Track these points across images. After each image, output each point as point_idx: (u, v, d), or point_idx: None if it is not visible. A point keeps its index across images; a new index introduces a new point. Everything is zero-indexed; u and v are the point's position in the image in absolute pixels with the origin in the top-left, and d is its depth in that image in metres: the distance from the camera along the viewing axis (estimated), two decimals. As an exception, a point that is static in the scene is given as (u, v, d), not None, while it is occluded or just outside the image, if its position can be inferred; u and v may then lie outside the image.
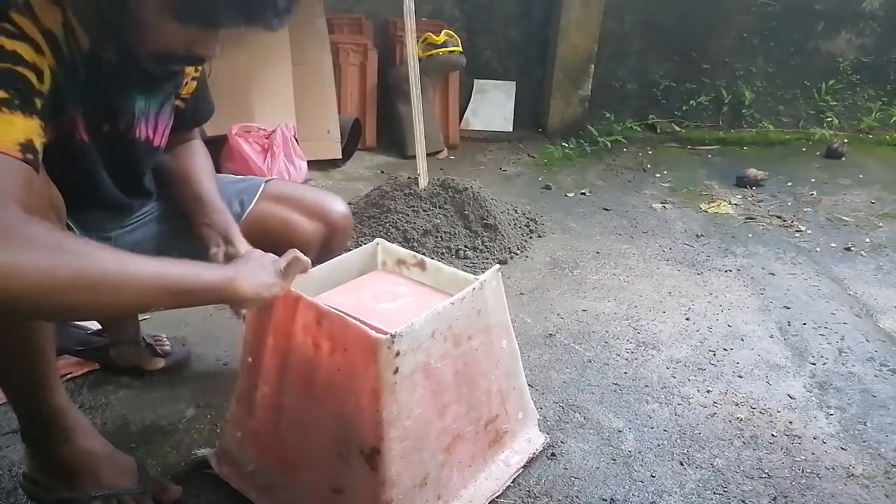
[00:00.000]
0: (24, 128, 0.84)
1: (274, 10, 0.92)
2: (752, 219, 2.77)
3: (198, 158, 1.35)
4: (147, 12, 0.91)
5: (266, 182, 1.43)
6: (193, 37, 0.97)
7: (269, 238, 1.37)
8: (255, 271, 1.00)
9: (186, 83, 1.27)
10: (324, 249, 1.44)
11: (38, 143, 0.86)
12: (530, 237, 2.47)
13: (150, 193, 1.31)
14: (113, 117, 1.10)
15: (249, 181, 1.45)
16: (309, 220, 1.40)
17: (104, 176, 1.15)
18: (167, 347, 1.54)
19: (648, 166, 3.40)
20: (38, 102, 0.87)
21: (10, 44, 0.85)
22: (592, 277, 2.19)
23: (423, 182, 2.43)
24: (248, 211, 1.38)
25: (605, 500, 1.26)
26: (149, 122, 1.17)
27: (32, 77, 0.87)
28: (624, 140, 3.73)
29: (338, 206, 1.44)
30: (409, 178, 2.49)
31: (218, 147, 2.61)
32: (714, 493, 1.29)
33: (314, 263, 1.53)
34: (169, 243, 1.30)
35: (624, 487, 1.29)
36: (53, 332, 1.04)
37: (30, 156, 0.83)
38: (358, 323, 0.99)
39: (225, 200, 1.36)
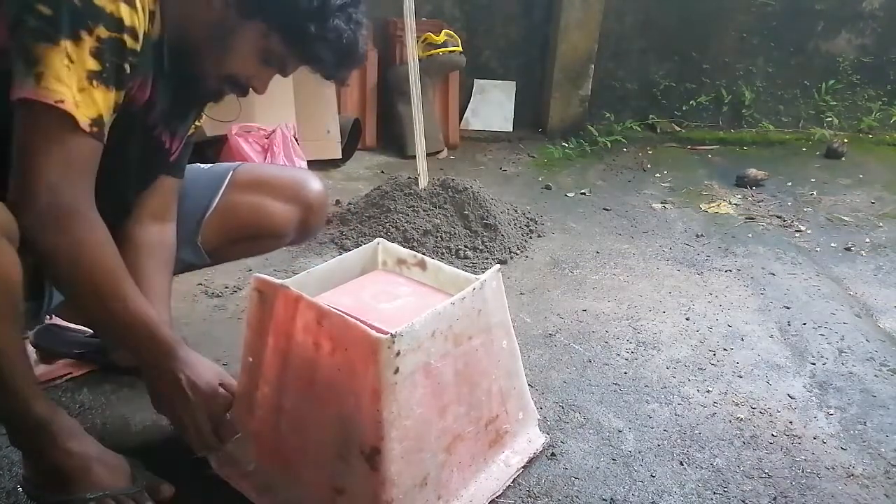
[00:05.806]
0: (101, 103, 0.94)
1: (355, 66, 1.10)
2: (752, 219, 2.77)
3: (154, 272, 1.21)
4: (244, 43, 1.02)
5: (235, 169, 1.39)
6: (262, 73, 1.07)
7: (243, 228, 1.36)
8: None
9: (196, 125, 1.28)
10: (301, 231, 1.41)
11: (108, 116, 0.95)
12: (530, 237, 2.47)
13: None
14: (148, 105, 1.10)
15: (216, 170, 1.40)
16: (283, 204, 1.36)
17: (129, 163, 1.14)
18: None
19: (648, 166, 3.40)
20: (128, 66, 0.96)
21: (112, 6, 0.92)
22: (592, 277, 2.19)
23: (423, 182, 2.43)
24: (214, 205, 1.34)
25: (605, 500, 1.26)
26: (169, 132, 1.19)
27: (129, 40, 0.95)
28: (624, 140, 3.72)
29: (312, 185, 1.40)
30: (409, 178, 2.49)
31: (218, 147, 2.61)
32: (714, 493, 1.29)
33: (293, 245, 1.51)
34: None
35: (624, 487, 1.29)
36: (23, 343, 1.02)
37: (96, 129, 0.94)
38: (358, 323, 0.99)
39: (193, 196, 1.33)
